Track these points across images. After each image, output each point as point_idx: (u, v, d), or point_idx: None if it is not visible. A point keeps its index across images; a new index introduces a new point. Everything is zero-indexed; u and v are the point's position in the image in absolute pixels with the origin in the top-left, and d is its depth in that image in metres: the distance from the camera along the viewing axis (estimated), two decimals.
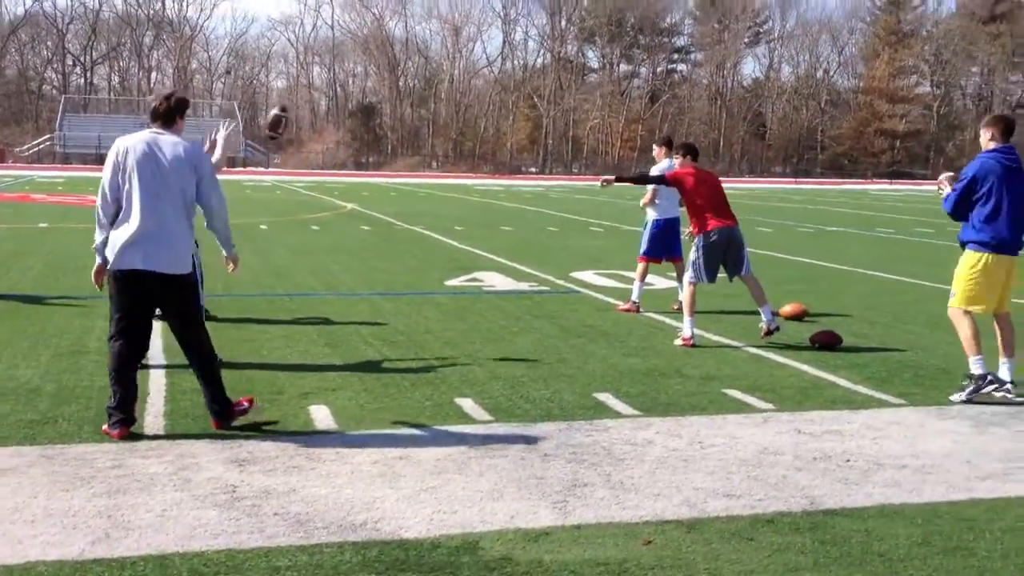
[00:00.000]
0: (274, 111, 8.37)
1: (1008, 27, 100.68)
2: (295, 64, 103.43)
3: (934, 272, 15.50)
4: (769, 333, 9.26)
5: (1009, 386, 7.45)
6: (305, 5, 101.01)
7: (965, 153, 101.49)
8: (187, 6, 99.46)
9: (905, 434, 6.52)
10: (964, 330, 7.52)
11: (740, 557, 4.47)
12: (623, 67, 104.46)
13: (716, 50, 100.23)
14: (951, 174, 7.93)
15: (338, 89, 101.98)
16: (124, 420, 6.07)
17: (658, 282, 13.41)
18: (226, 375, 7.57)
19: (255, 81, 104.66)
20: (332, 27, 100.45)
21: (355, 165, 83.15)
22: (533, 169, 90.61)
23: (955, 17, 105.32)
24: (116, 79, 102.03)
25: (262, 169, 70.81)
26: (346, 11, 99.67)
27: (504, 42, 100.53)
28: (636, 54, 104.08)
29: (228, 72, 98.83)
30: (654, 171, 11.18)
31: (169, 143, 6.08)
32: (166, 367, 7.82)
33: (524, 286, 13.16)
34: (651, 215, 11.39)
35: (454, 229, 22.53)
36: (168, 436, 6.12)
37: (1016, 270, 7.63)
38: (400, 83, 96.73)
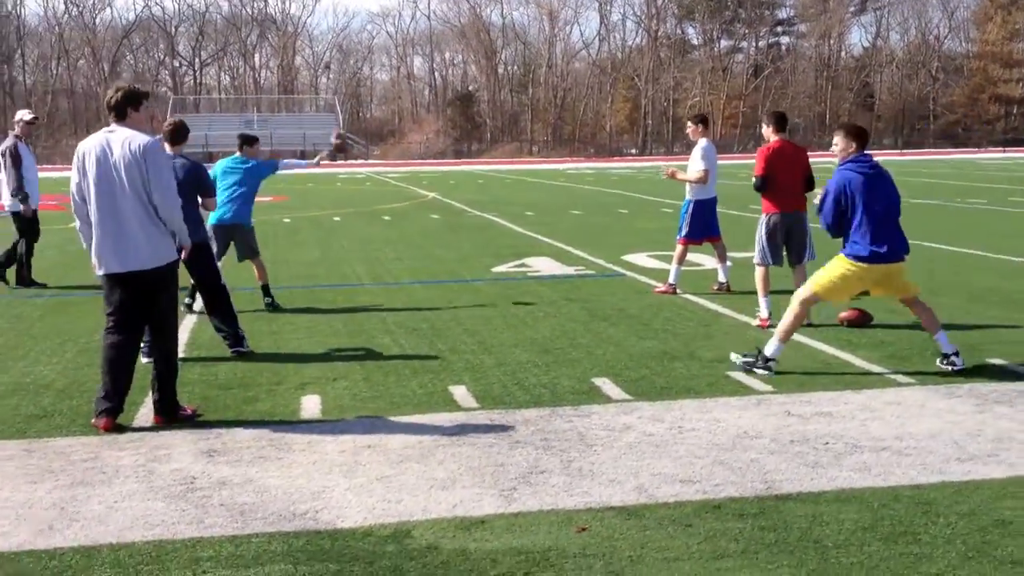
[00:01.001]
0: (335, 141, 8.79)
1: None
2: (395, 56, 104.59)
3: (1007, 243, 14.90)
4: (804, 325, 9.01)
5: (954, 358, 7.29)
6: None
7: None
8: (290, 3, 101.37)
9: (899, 415, 6.29)
10: (791, 316, 7.39)
11: (669, 544, 4.38)
12: (724, 42, 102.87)
13: (820, 20, 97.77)
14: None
15: (437, 79, 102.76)
16: (108, 410, 6.22)
17: (708, 261, 13.16)
18: (236, 366, 7.78)
19: (358, 75, 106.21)
20: (429, 18, 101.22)
21: (454, 154, 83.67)
22: (633, 151, 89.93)
23: None
24: (226, 78, 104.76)
25: (360, 161, 71.77)
26: (443, 1, 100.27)
27: (601, 23, 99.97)
28: (737, 28, 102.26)
29: (327, 67, 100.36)
30: (700, 154, 10.87)
31: (120, 140, 6.12)
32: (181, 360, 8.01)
33: (570, 270, 13.08)
34: (690, 195, 11.16)
35: (524, 215, 22.51)
36: (153, 428, 6.26)
37: (900, 272, 7.44)
38: (499, 70, 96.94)
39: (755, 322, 9.18)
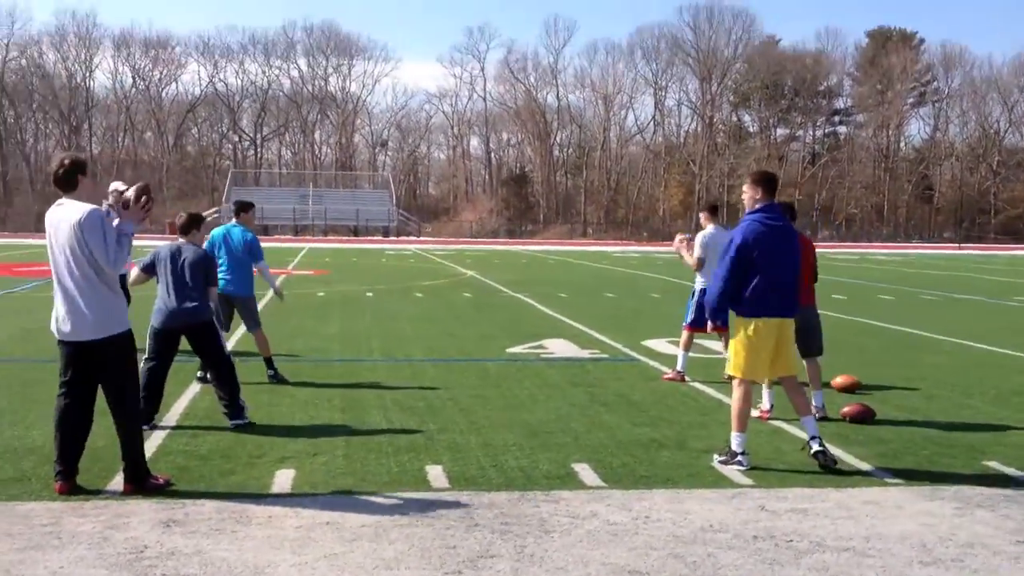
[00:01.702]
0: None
1: None
2: (452, 135, 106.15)
3: None
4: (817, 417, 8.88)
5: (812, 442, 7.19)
6: (460, 79, 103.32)
7: None
8: (350, 83, 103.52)
9: (875, 515, 6.14)
10: (735, 402, 7.27)
11: None
12: (780, 130, 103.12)
13: (878, 111, 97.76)
14: (687, 235, 7.59)
15: (492, 159, 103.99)
16: (60, 474, 6.31)
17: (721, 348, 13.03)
18: (224, 437, 7.82)
19: (415, 153, 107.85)
20: (485, 99, 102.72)
21: (507, 233, 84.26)
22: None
23: None
24: (287, 153, 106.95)
25: (413, 238, 72.51)
26: (499, 83, 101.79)
27: (655, 108, 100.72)
28: (793, 117, 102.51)
29: (383, 145, 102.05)
30: (700, 241, 10.97)
31: (65, 212, 6.20)
32: (172, 428, 8.09)
33: (585, 354, 13.03)
34: (698, 283, 11.14)
35: (556, 296, 22.53)
36: (121, 496, 6.28)
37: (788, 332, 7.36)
38: (554, 152, 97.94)
39: (755, 413, 9.04)
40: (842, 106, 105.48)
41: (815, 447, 7.14)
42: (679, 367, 11.06)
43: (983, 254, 62.48)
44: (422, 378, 10.88)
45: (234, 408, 8.36)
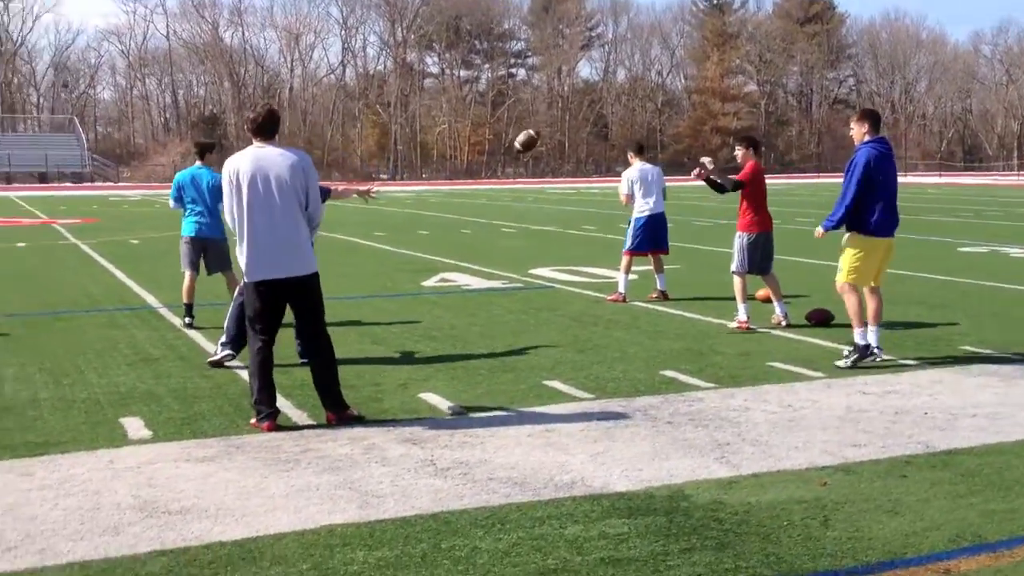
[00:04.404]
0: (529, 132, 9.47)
1: (823, 27, 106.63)
2: (126, 76, 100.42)
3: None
4: (783, 325, 10.16)
5: (876, 350, 8.48)
6: (134, 15, 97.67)
7: (793, 147, 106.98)
8: (8, 19, 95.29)
9: (952, 390, 7.51)
10: (852, 304, 8.53)
11: (908, 490, 5.30)
12: (463, 72, 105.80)
13: (553, 54, 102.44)
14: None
15: (179, 100, 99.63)
16: (271, 414, 6.52)
17: (614, 274, 14.22)
18: (305, 371, 8.03)
19: (83, 95, 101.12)
20: (168, 37, 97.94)
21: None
22: (384, 176, 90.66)
23: (773, 19, 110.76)
24: None
25: (110, 183, 68.66)
26: (180, 20, 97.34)
27: (344, 49, 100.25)
28: (474, 59, 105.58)
29: (65, 86, 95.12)
30: (627, 177, 12.19)
31: (275, 155, 6.59)
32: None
33: (498, 284, 13.82)
34: (640, 210, 12.23)
35: (375, 235, 22.92)
36: (316, 425, 6.56)
37: (892, 250, 8.71)
38: (240, 93, 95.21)
39: (732, 324, 10.25)
40: (519, 49, 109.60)
41: (880, 355, 8.41)
42: (621, 289, 12.12)
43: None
44: (391, 312, 11.30)
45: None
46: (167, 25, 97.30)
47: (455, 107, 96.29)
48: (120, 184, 67.25)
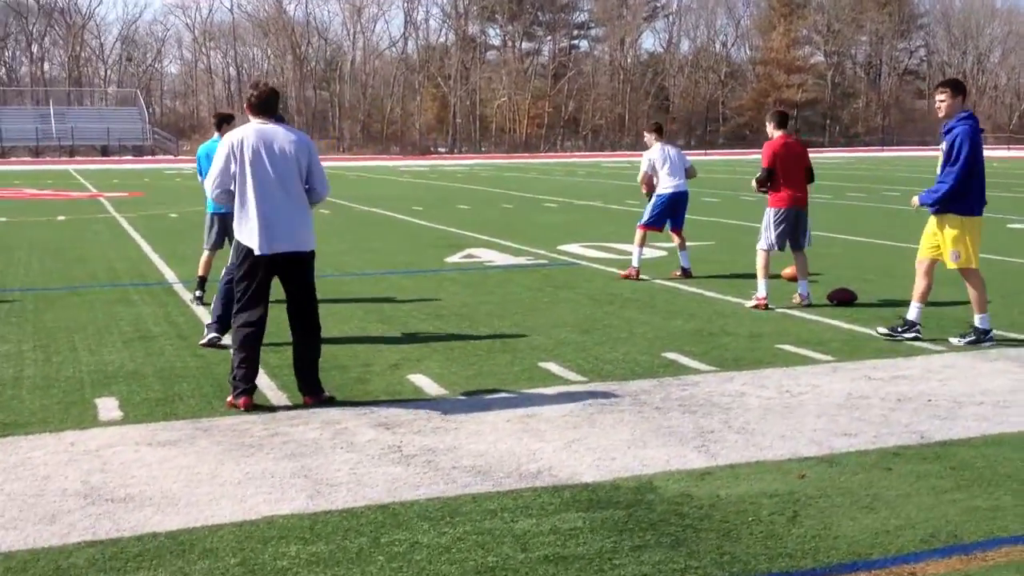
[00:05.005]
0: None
1: None
2: (192, 50, 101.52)
3: (887, 232, 16.38)
4: (803, 304, 9.83)
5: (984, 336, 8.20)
6: None
7: (859, 120, 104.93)
8: None
9: (964, 376, 7.16)
10: (922, 283, 8.27)
11: (890, 484, 5.01)
12: (525, 44, 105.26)
13: (616, 25, 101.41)
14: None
15: (239, 73, 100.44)
16: (248, 390, 6.40)
17: (646, 252, 13.93)
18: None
19: (150, 68, 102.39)
20: (232, 10, 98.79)
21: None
22: (442, 149, 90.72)
23: None
24: (3, 69, 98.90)
25: (170, 156, 69.49)
26: None
27: (406, 21, 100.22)
28: (537, 31, 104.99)
29: (129, 59, 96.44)
30: (647, 157, 11.92)
31: (278, 133, 6.53)
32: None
33: (523, 260, 13.59)
34: (663, 187, 11.95)
35: (413, 209, 22.80)
36: (297, 406, 6.42)
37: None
38: (303, 66, 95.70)
39: (751, 303, 9.93)
40: (582, 20, 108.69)
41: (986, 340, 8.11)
42: (635, 263, 11.86)
43: (722, 159, 66.63)
44: (407, 289, 11.13)
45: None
46: None
47: (515, 80, 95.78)
48: (180, 158, 67.93)
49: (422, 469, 5.22)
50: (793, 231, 9.98)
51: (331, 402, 6.52)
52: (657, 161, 12.01)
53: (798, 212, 9.97)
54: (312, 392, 6.52)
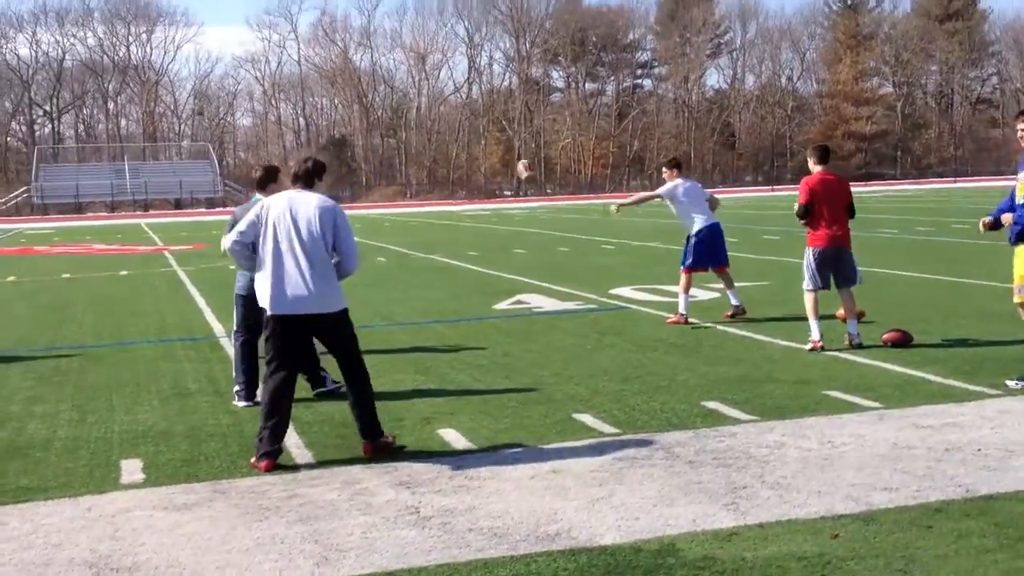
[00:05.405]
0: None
1: (964, 24, 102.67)
2: (262, 102, 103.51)
3: (953, 268, 15.90)
4: (853, 345, 9.53)
5: None
6: (269, 42, 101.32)
7: (931, 150, 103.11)
8: (151, 50, 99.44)
9: (1020, 422, 6.80)
10: None
11: (928, 544, 4.72)
12: (589, 85, 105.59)
13: (679, 63, 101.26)
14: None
15: (308, 124, 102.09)
16: (272, 452, 6.33)
17: (699, 294, 13.68)
18: (334, 405, 7.80)
19: (222, 121, 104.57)
20: (299, 63, 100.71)
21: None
22: (508, 192, 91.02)
23: (911, 17, 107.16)
24: (82, 127, 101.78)
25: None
26: (311, 46, 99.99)
27: (470, 67, 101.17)
28: (600, 72, 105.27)
29: (200, 113, 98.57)
30: (663, 191, 11.74)
31: (308, 199, 6.61)
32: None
33: (572, 305, 13.41)
34: (694, 225, 11.72)
35: (469, 255, 22.77)
36: (321, 464, 6.31)
37: None
38: (369, 114, 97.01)
39: (807, 346, 9.62)
40: (646, 59, 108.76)
41: None
42: (682, 310, 11.57)
43: (791, 194, 65.72)
44: (450, 338, 11.02)
45: (316, 377, 8.29)
46: (298, 51, 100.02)
47: (579, 120, 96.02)
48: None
49: (437, 532, 5.05)
50: (835, 269, 9.70)
51: (391, 448, 6.55)
52: (681, 197, 11.77)
53: (838, 250, 9.68)
54: (366, 436, 6.54)
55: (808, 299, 9.68)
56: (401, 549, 4.82)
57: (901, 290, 13.97)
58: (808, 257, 9.72)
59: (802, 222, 9.85)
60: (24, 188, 76.41)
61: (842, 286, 9.81)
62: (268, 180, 8.41)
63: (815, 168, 9.80)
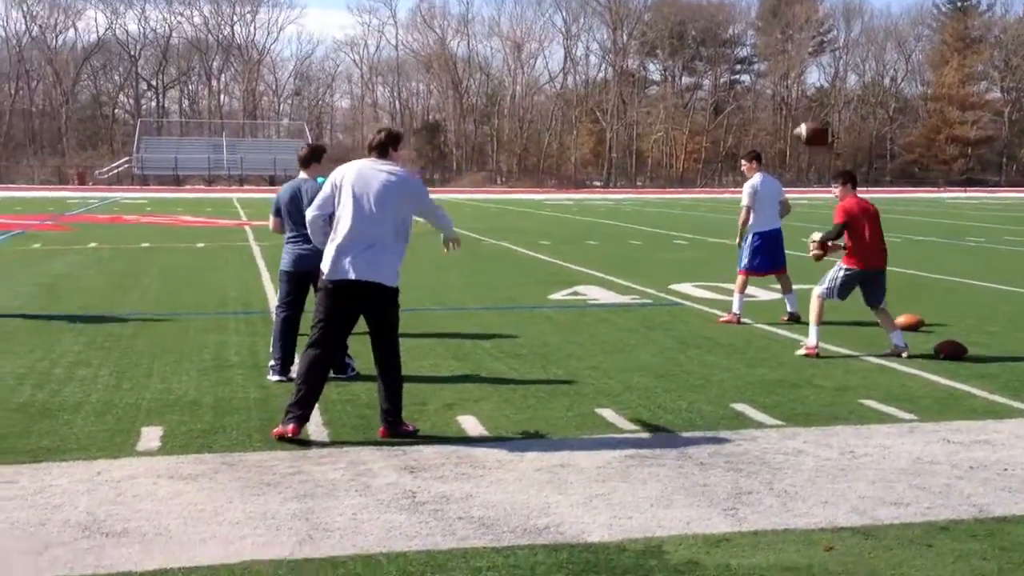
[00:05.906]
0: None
1: None
2: (360, 84, 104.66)
3: None
4: (897, 355, 9.29)
5: None
6: (369, 26, 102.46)
7: None
8: (255, 30, 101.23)
9: None
10: None
11: (923, 563, 4.56)
12: (685, 79, 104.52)
13: (780, 60, 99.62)
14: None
15: (403, 108, 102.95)
16: (300, 416, 6.42)
17: (760, 294, 13.46)
18: (365, 387, 7.82)
19: (320, 102, 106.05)
20: (396, 47, 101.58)
21: (422, 182, 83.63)
22: (598, 183, 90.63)
23: (1023, 21, 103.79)
24: (186, 102, 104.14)
25: None
26: (409, 31, 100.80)
27: (566, 57, 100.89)
28: (698, 66, 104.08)
29: (298, 94, 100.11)
30: (751, 186, 11.43)
31: (385, 171, 6.60)
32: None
33: (627, 299, 13.29)
34: (758, 226, 11.50)
35: (539, 244, 22.73)
36: (333, 443, 6.35)
37: None
38: (463, 100, 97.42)
39: (801, 351, 9.42)
40: (745, 55, 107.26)
41: None
42: (735, 309, 11.38)
43: (887, 197, 64.20)
44: (497, 326, 10.99)
45: (340, 363, 8.24)
46: (396, 36, 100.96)
47: (672, 114, 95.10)
48: None
49: (426, 518, 5.04)
50: (864, 289, 9.48)
51: (412, 435, 6.54)
52: (759, 192, 11.52)
53: (876, 273, 9.43)
54: (386, 422, 6.55)
55: (816, 304, 9.48)
56: (386, 533, 4.83)
57: (970, 299, 13.55)
58: (839, 269, 9.49)
59: (822, 251, 9.57)
60: (126, 159, 78.44)
61: (871, 306, 9.56)
62: (312, 159, 8.36)
63: (847, 194, 9.58)
